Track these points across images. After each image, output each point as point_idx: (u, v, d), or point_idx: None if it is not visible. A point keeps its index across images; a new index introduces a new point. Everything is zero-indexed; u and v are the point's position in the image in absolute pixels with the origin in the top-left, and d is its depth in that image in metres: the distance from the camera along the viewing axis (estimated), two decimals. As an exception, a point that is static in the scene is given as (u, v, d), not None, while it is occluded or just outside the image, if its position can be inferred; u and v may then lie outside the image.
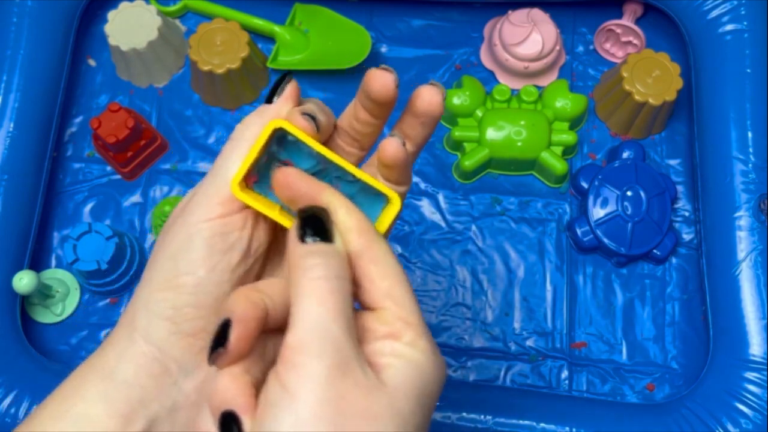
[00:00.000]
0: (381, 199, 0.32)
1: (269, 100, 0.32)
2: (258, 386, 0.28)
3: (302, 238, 0.28)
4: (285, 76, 0.33)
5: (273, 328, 0.29)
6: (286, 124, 0.30)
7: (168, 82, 0.73)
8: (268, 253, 0.33)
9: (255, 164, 0.31)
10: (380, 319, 0.29)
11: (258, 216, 0.31)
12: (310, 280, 0.27)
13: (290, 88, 0.32)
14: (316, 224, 0.28)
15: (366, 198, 0.32)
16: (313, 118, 0.31)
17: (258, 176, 0.32)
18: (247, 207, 0.31)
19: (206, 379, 0.31)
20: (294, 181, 0.30)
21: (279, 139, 0.31)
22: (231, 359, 0.28)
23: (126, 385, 0.30)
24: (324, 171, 0.32)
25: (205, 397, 0.31)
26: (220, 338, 0.27)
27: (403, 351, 0.28)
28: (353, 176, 0.31)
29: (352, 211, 0.30)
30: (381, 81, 0.31)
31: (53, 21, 0.68)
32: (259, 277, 0.33)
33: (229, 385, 0.27)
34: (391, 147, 0.31)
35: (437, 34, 0.75)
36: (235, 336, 0.27)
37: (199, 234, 0.30)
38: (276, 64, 0.72)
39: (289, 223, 0.31)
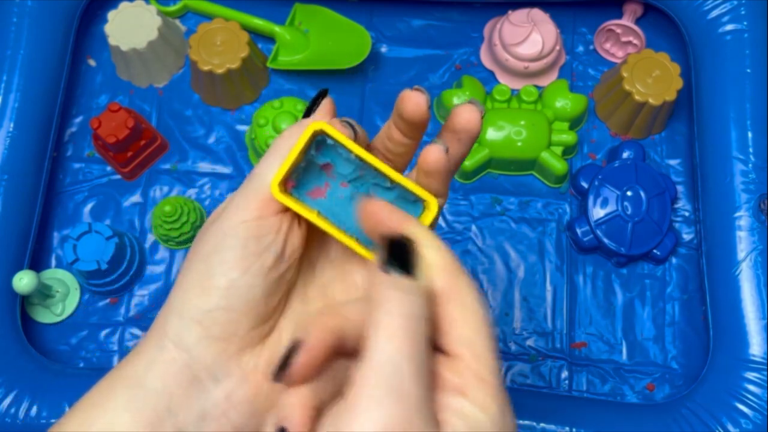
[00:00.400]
0: (418, 207, 0.32)
1: (307, 115, 0.32)
2: (322, 407, 0.27)
3: (385, 268, 0.26)
4: (323, 92, 0.33)
5: (350, 352, 0.28)
6: (327, 126, 0.31)
7: (168, 82, 0.73)
8: (302, 261, 0.33)
9: (294, 167, 0.31)
10: (453, 369, 0.27)
11: (293, 221, 0.31)
12: (388, 316, 0.25)
13: (327, 103, 0.33)
14: (401, 255, 0.27)
15: (403, 205, 0.32)
16: (351, 126, 0.32)
17: (296, 181, 0.32)
18: (284, 211, 0.31)
19: (236, 387, 0.30)
20: (381, 212, 0.29)
21: (318, 143, 0.32)
22: (292, 382, 0.27)
23: (154, 393, 0.29)
24: (362, 177, 0.32)
25: (235, 405, 0.31)
26: (287, 359, 0.27)
27: (471, 412, 0.26)
28: (390, 183, 0.32)
29: (439, 247, 0.28)
30: (414, 101, 0.31)
31: (53, 21, 0.68)
32: (293, 284, 0.33)
33: (290, 403, 0.27)
34: (433, 153, 0.31)
35: (437, 34, 0.75)
36: (300, 362, 0.27)
37: (233, 235, 0.30)
38: (276, 64, 0.72)
39: (327, 226, 0.31)
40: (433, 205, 0.31)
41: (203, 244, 0.31)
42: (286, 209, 0.31)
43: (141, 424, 0.29)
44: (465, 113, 0.32)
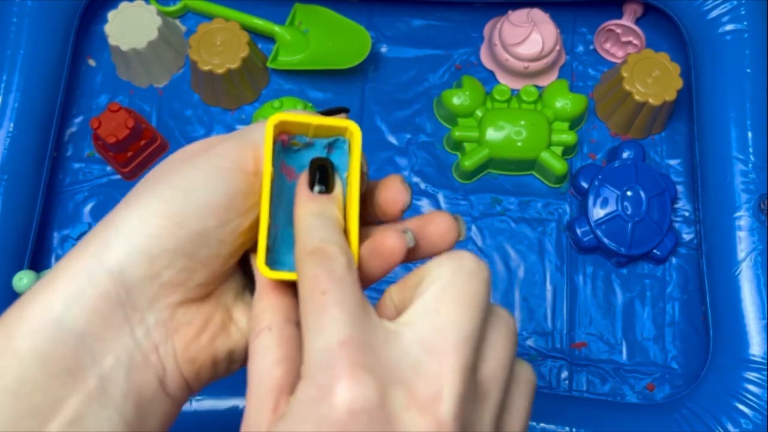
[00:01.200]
0: None
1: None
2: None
3: (311, 186, 0.28)
4: (344, 108, 0.32)
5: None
6: (359, 137, 0.29)
7: (168, 82, 0.73)
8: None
9: (304, 129, 0.29)
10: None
11: None
12: (304, 218, 0.28)
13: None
14: (323, 176, 0.29)
15: None
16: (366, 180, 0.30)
17: (290, 145, 0.30)
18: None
19: (165, 339, 0.27)
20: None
21: (333, 143, 0.30)
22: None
23: (74, 335, 0.25)
24: None
25: (161, 358, 0.27)
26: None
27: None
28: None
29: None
30: (397, 194, 0.29)
31: (53, 21, 0.68)
32: (245, 260, 0.30)
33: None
34: (392, 240, 0.28)
35: (437, 34, 0.75)
36: None
37: (225, 179, 0.27)
38: (276, 64, 0.72)
39: (265, 194, 0.28)
40: None
41: (184, 171, 0.27)
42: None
43: (58, 374, 0.24)
44: (442, 226, 0.29)
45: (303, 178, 0.29)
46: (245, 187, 0.28)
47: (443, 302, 0.25)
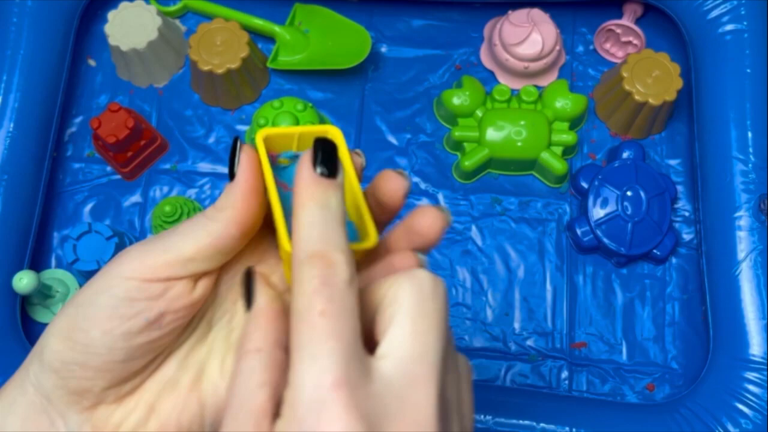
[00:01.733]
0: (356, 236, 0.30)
1: (232, 176, 0.29)
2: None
3: (314, 166, 0.27)
4: (234, 144, 0.30)
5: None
6: (340, 136, 0.29)
7: (168, 82, 0.73)
8: (199, 324, 0.32)
9: (289, 138, 0.30)
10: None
11: (184, 291, 0.29)
12: (308, 208, 0.27)
13: (248, 158, 0.29)
14: (327, 158, 0.28)
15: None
16: (360, 156, 0.32)
17: (277, 161, 0.31)
18: (176, 278, 0.29)
19: None
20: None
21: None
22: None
23: None
24: None
25: None
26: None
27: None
28: (348, 218, 0.30)
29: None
30: (394, 183, 0.30)
31: (53, 21, 0.68)
32: (172, 349, 0.31)
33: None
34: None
35: (437, 34, 0.75)
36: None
37: (108, 290, 0.29)
38: (276, 64, 0.72)
39: (275, 200, 0.29)
40: (370, 241, 0.29)
41: (85, 287, 0.30)
42: (179, 278, 0.29)
43: None
44: (427, 218, 0.30)
45: (305, 158, 0.27)
46: (129, 293, 0.29)
47: (414, 330, 0.26)
